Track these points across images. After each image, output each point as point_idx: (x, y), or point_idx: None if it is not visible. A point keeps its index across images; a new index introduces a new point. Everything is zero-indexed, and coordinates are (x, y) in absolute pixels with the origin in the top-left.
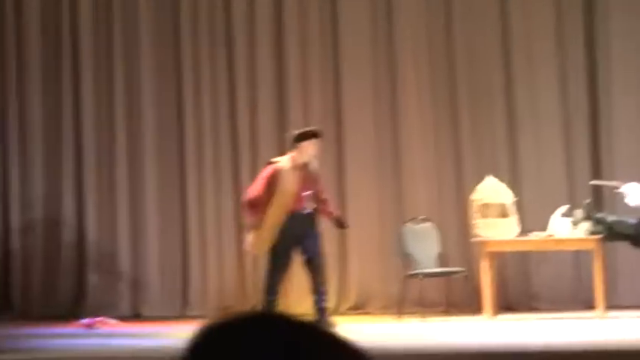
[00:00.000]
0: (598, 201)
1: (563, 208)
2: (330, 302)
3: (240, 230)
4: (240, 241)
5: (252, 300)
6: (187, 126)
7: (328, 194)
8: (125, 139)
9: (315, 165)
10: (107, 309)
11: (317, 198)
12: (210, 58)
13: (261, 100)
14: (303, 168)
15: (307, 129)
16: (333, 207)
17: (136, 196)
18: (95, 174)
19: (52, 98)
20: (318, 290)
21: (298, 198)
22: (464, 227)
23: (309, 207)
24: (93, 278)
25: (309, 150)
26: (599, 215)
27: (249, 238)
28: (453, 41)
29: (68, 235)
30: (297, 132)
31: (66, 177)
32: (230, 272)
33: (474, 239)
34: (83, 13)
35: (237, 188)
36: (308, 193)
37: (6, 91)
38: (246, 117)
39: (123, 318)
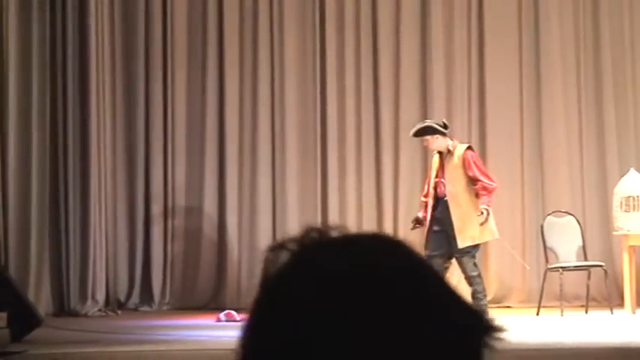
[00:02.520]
0: None
1: None
2: (469, 295)
3: (380, 221)
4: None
5: None
6: (329, 124)
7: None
8: (269, 134)
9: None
10: (247, 301)
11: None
12: (355, 46)
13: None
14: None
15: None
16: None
17: (277, 189)
18: (237, 167)
19: (197, 89)
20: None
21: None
22: (606, 220)
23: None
24: (233, 270)
25: None
26: None
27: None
28: (599, 32)
29: (208, 227)
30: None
31: (208, 169)
32: None
33: (615, 232)
34: (228, 12)
35: (379, 182)
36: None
37: (154, 89)
38: (389, 111)
39: None
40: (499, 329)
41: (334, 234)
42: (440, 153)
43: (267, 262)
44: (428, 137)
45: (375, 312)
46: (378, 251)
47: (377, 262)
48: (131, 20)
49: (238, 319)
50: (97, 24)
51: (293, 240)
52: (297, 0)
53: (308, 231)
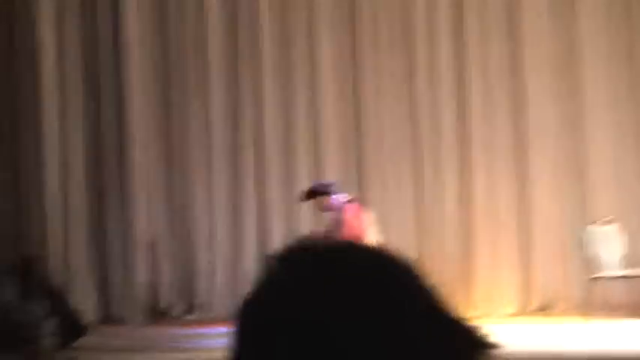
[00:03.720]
0: None
1: None
2: (513, 304)
3: (421, 231)
4: (422, 241)
5: None
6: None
7: None
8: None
9: None
10: None
11: None
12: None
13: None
14: None
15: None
16: None
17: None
18: (277, 173)
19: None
20: None
21: None
22: None
23: None
24: None
25: None
26: None
27: None
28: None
29: (249, 237)
30: None
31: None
32: None
33: None
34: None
35: (421, 183)
36: None
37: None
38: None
39: None
40: (492, 345)
41: (312, 246)
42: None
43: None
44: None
45: (357, 325)
46: (356, 260)
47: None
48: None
49: None
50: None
51: (274, 255)
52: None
53: (289, 245)
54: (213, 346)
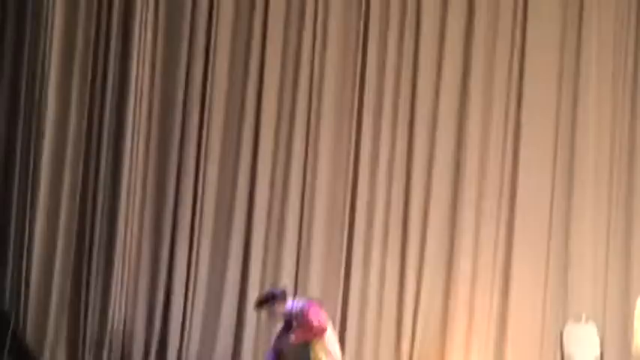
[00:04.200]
0: None
1: None
2: None
3: (401, 297)
4: (398, 329)
5: None
6: (359, 199)
7: None
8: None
9: None
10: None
11: None
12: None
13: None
14: None
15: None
16: None
17: (302, 251)
18: (264, 229)
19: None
20: None
21: None
22: (627, 331)
23: None
24: (250, 336)
25: None
26: None
27: None
28: (635, 135)
29: (230, 291)
30: None
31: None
32: (386, 358)
33: (634, 348)
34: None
35: (404, 261)
36: None
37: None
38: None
39: None
40: None
41: None
42: None
43: None
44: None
45: None
46: None
47: None
48: (175, 29)
49: None
50: (140, 30)
51: None
52: (337, 57)
53: None
54: None
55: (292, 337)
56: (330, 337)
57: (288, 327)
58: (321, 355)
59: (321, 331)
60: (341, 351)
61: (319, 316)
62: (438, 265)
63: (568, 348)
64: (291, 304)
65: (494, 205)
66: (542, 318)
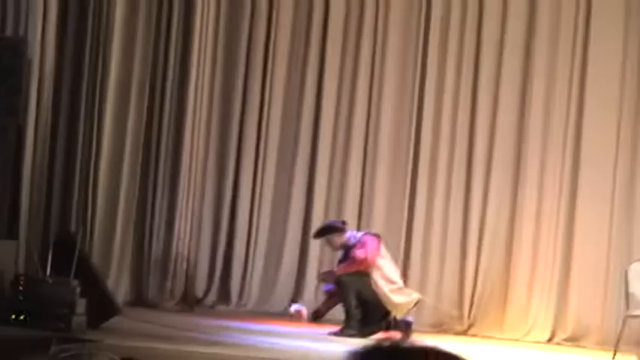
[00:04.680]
0: None
1: None
2: (546, 331)
3: (464, 245)
4: (462, 259)
5: (467, 322)
6: (422, 145)
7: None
8: (362, 146)
9: None
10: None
11: None
12: (456, 71)
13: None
14: None
15: None
16: None
17: (365, 201)
18: (326, 177)
19: (295, 93)
20: None
21: None
22: None
23: None
24: (311, 281)
25: None
26: None
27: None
28: None
29: (292, 235)
30: None
31: (298, 175)
32: (449, 290)
33: None
34: (333, 18)
35: (467, 208)
36: None
37: (252, 89)
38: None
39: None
40: None
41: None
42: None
43: None
44: (329, 237)
45: None
46: None
47: None
48: (235, 19)
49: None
50: (201, 21)
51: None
52: (401, 16)
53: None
54: (244, 343)
55: (338, 268)
56: (387, 265)
57: (346, 257)
58: (379, 280)
59: (366, 265)
60: (403, 280)
61: (369, 250)
62: (501, 202)
63: (632, 286)
64: (350, 235)
65: (559, 144)
66: (606, 256)
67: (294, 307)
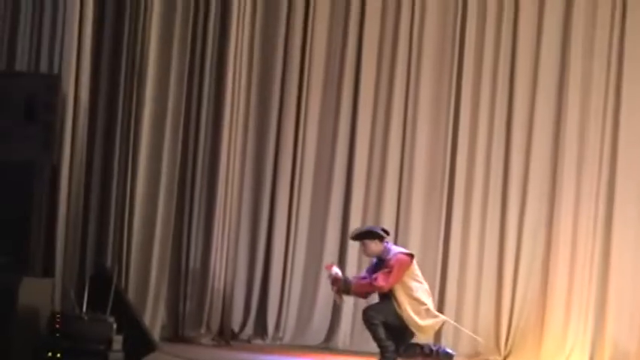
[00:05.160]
0: None
1: None
2: (584, 358)
3: (500, 275)
4: (499, 286)
5: (504, 351)
6: (458, 169)
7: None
8: (397, 169)
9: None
10: (359, 344)
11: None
12: (491, 95)
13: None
14: None
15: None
16: None
17: (401, 228)
18: (362, 204)
19: (330, 116)
20: None
21: None
22: None
23: None
24: (348, 312)
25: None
26: None
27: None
28: None
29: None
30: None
31: (333, 203)
32: (486, 318)
33: None
34: (367, 43)
35: (503, 233)
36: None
37: (288, 112)
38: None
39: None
40: None
41: None
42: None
43: None
44: (367, 241)
45: None
46: None
47: None
48: (270, 40)
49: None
50: (236, 40)
51: None
52: (436, 35)
53: None
54: None
55: (356, 282)
56: (415, 285)
57: (376, 267)
58: (405, 303)
59: (382, 291)
60: (437, 306)
61: (392, 278)
62: (538, 226)
63: None
64: (388, 246)
65: (595, 167)
66: None
67: (334, 270)
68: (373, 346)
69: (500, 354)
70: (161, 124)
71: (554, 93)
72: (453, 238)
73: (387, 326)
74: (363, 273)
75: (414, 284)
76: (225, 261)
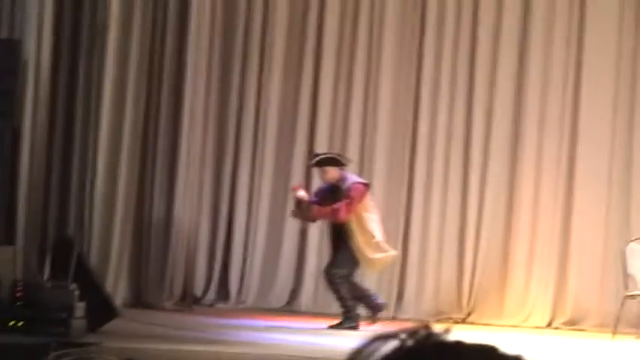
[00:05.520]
0: None
1: None
2: (545, 315)
3: (463, 229)
4: (460, 245)
5: (466, 309)
6: (420, 133)
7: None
8: (359, 141)
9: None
10: (322, 306)
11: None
12: (452, 60)
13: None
14: None
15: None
16: None
17: None
18: None
19: (291, 94)
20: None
21: None
22: None
23: None
24: (310, 275)
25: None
26: None
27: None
28: None
29: (290, 230)
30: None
31: (294, 173)
32: (448, 277)
33: None
34: (329, 20)
35: (465, 193)
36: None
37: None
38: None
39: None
40: None
41: (446, 338)
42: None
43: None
44: (328, 168)
45: None
46: None
47: None
48: (230, 25)
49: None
50: (198, 21)
51: (406, 333)
52: (397, 15)
53: (422, 328)
54: (244, 340)
55: (317, 209)
56: (370, 217)
57: (328, 191)
58: (357, 234)
59: (340, 222)
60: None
61: (350, 209)
62: (499, 187)
63: (631, 266)
64: (345, 175)
65: (556, 127)
66: (604, 238)
67: (301, 192)
68: (337, 308)
69: (462, 312)
70: (123, 89)
71: (516, 52)
72: (416, 197)
73: (350, 282)
74: (312, 197)
75: (366, 215)
76: (187, 226)
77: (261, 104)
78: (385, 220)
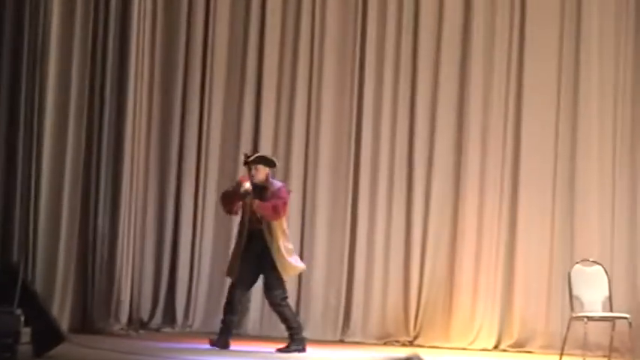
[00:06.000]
0: None
1: None
2: (492, 337)
3: (408, 248)
4: (406, 267)
5: (413, 332)
6: (363, 150)
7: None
8: (303, 148)
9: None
10: (267, 329)
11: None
12: (394, 72)
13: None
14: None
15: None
16: None
17: (307, 214)
18: None
19: (234, 101)
20: None
21: None
22: (633, 272)
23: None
24: (257, 298)
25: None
26: None
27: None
28: (638, 77)
29: None
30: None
31: None
32: (394, 300)
33: None
34: (270, 29)
35: (409, 213)
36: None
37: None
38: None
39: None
40: None
41: None
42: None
43: None
44: (261, 167)
45: None
46: None
47: None
48: (172, 30)
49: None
50: (138, 32)
51: None
52: (338, 23)
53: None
54: None
55: (259, 203)
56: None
57: (256, 190)
58: (280, 238)
59: (275, 219)
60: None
61: (285, 209)
62: (443, 207)
63: (576, 288)
64: (272, 179)
65: (499, 147)
66: (549, 260)
67: (248, 184)
68: (282, 330)
69: (409, 335)
70: (64, 116)
71: (458, 59)
72: (360, 216)
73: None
74: None
75: (285, 222)
76: (133, 250)
77: (203, 123)
78: (330, 240)
